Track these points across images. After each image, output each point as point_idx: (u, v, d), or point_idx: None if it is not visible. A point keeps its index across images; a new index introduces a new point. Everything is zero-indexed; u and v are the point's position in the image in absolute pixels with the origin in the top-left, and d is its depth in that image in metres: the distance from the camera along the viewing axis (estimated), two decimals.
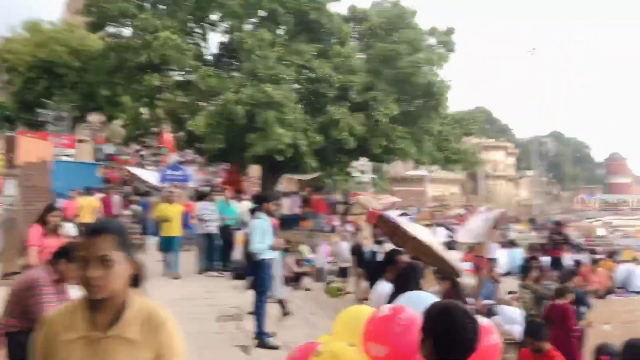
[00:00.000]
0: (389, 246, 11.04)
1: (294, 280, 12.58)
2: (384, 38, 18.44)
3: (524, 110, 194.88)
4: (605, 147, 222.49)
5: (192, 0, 18.05)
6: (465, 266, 10.82)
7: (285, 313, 8.78)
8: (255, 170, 24.78)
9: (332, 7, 18.96)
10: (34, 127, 24.60)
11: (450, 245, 11.15)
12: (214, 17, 18.98)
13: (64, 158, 20.24)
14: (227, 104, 15.75)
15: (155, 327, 1.93)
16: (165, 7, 18.48)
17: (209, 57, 19.53)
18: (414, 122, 18.69)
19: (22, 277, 4.55)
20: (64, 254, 4.10)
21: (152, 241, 14.41)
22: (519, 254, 15.36)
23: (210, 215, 12.01)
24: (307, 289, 12.77)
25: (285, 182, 27.94)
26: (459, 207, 42.08)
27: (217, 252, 12.17)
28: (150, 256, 13.05)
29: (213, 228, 11.98)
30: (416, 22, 19.27)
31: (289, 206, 19.67)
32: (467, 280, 10.61)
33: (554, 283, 10.30)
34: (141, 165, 26.67)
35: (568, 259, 13.35)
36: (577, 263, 12.19)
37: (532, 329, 5.55)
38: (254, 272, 7.42)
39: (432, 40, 19.47)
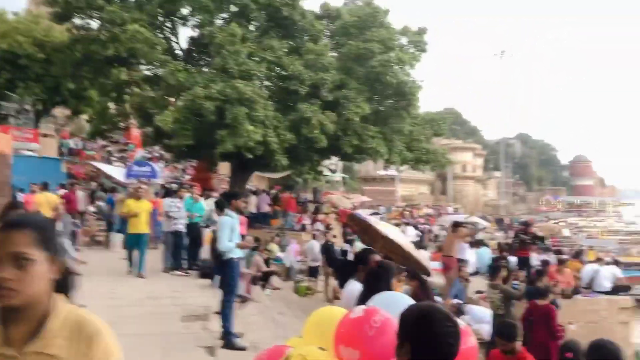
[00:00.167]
0: (359, 245, 11.00)
1: (262, 279, 12.43)
2: (356, 36, 18.41)
3: (494, 111, 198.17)
4: (571, 150, 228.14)
5: None
6: (434, 265, 10.86)
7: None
8: (224, 168, 24.55)
9: (304, 5, 18.89)
10: None
11: (420, 244, 11.17)
12: (185, 11, 18.68)
13: (27, 152, 19.64)
14: (196, 100, 15.50)
15: (86, 340, 1.58)
16: (134, 0, 18.09)
17: (179, 52, 19.23)
18: (385, 122, 18.73)
19: None
20: None
21: (117, 238, 14.13)
22: (487, 254, 15.51)
23: (177, 213, 11.76)
24: (275, 288, 12.64)
25: (255, 180, 27.77)
26: (427, 206, 42.67)
27: (184, 250, 11.94)
28: (115, 254, 12.79)
29: (180, 226, 11.74)
30: (389, 21, 19.35)
31: (258, 204, 19.51)
32: (436, 279, 10.65)
33: (521, 283, 10.39)
34: (107, 161, 26.19)
35: (535, 259, 13.50)
36: (545, 263, 12.31)
37: (503, 330, 5.43)
38: (221, 271, 7.25)
39: (404, 40, 19.52)
